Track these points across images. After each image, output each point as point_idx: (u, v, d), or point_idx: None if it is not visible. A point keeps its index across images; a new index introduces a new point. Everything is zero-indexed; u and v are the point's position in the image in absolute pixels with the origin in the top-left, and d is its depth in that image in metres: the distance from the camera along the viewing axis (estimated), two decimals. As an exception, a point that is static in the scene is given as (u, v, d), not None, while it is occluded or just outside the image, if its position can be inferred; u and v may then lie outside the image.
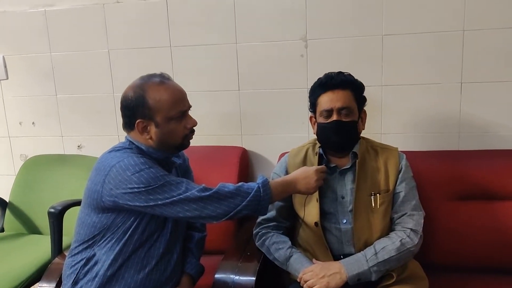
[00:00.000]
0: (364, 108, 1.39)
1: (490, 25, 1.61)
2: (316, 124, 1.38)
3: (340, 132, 1.31)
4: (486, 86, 1.66)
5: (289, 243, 1.36)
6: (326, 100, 1.31)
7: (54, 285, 1.36)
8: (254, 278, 1.28)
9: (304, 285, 1.23)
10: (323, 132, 1.34)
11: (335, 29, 1.73)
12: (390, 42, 1.70)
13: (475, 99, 1.68)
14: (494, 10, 1.60)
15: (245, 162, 1.84)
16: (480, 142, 1.69)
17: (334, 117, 1.30)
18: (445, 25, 1.64)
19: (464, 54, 1.65)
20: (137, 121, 1.19)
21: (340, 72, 1.35)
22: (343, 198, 1.35)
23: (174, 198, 1.13)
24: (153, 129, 1.19)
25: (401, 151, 1.41)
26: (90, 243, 1.20)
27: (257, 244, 1.40)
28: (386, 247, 1.24)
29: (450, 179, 1.53)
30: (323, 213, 1.34)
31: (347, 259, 1.26)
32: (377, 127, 1.76)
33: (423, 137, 1.75)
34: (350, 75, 1.36)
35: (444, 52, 1.66)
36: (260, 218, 1.43)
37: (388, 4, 1.67)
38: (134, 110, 1.19)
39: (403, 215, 1.32)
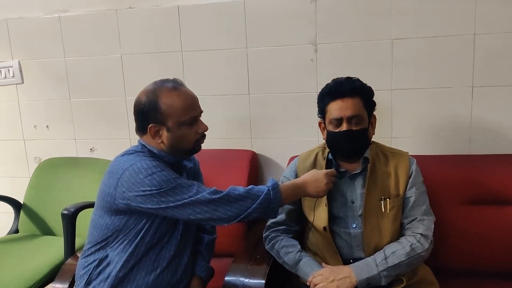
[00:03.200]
0: (374, 112, 1.39)
1: (501, 28, 1.60)
2: (325, 130, 1.37)
3: (351, 141, 1.30)
4: (497, 90, 1.65)
5: (299, 246, 1.37)
6: (336, 109, 1.30)
7: (67, 285, 1.39)
8: (263, 281, 1.29)
9: (314, 289, 1.24)
10: (333, 141, 1.34)
11: (345, 33, 1.73)
12: (399, 46, 1.69)
13: (486, 103, 1.66)
14: (505, 14, 1.59)
15: (254, 166, 1.85)
16: (491, 146, 1.68)
17: (344, 127, 1.29)
18: (456, 29, 1.64)
19: (475, 58, 1.64)
20: (149, 126, 1.21)
21: (348, 78, 1.34)
22: (353, 202, 1.35)
23: (186, 201, 1.14)
24: (164, 134, 1.21)
25: (411, 155, 1.40)
26: (103, 244, 1.22)
27: (266, 247, 1.41)
28: (396, 251, 1.24)
29: (461, 183, 1.52)
30: (332, 218, 1.34)
31: (356, 263, 1.26)
32: (388, 131, 1.76)
33: (434, 141, 1.74)
34: (358, 80, 1.35)
35: (455, 56, 1.66)
36: (269, 222, 1.43)
37: (397, 8, 1.67)
38: (146, 114, 1.21)
39: (413, 220, 1.31)
